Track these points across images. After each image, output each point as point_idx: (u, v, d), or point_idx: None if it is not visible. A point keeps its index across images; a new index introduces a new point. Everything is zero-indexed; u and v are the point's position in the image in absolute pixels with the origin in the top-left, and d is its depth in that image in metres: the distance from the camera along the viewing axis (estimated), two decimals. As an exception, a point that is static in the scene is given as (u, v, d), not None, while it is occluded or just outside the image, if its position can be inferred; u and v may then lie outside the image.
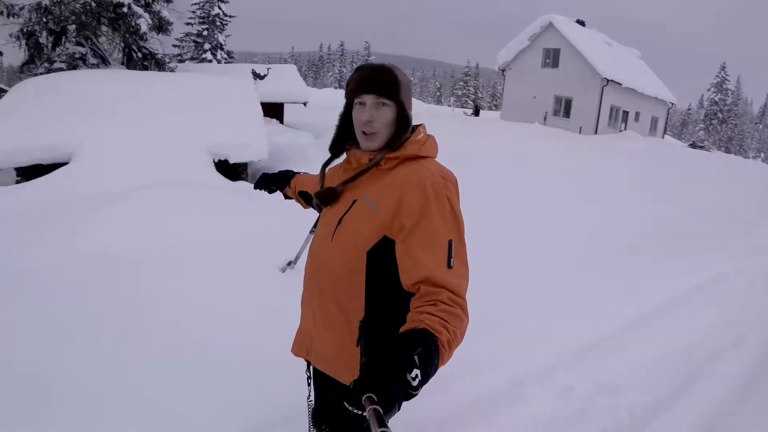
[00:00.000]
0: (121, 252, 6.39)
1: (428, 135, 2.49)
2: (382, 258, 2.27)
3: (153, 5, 17.95)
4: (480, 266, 6.75)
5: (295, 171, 3.28)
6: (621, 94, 34.26)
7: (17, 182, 10.21)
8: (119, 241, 6.61)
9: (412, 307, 2.01)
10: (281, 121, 21.24)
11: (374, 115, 2.35)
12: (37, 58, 16.76)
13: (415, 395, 1.63)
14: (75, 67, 15.99)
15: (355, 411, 1.66)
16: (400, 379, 1.61)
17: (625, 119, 36.09)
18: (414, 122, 2.50)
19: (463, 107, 78.94)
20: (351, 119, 2.48)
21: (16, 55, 16.77)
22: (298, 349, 2.77)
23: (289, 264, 6.48)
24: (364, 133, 2.39)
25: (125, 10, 16.16)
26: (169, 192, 8.03)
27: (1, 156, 9.85)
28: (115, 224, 7.03)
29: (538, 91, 36.27)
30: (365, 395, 1.57)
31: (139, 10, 16.61)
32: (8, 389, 4.19)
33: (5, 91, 13.14)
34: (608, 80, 32.35)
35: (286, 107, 22.46)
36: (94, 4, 15.93)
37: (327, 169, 2.77)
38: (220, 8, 37.84)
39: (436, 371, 1.74)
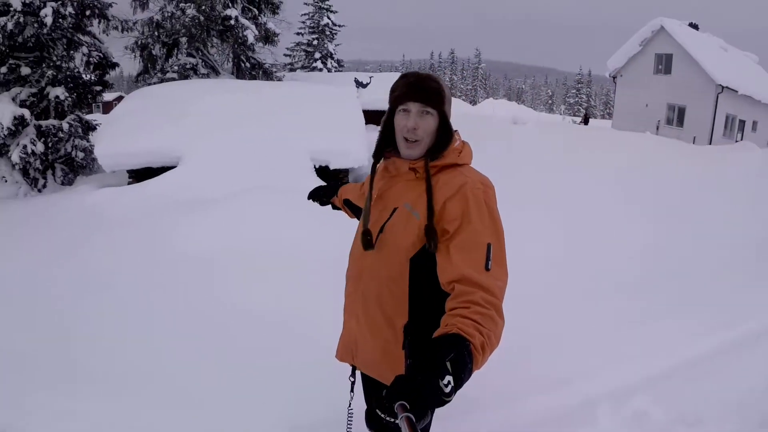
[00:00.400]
0: (214, 252, 6.79)
1: (464, 142, 2.49)
2: (424, 264, 2.27)
3: (260, 17, 18.49)
4: (561, 278, 6.54)
5: (344, 182, 3.30)
6: (737, 102, 31.55)
7: (129, 183, 10.76)
8: (215, 242, 7.02)
9: (447, 308, 2.00)
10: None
11: (419, 122, 2.34)
12: (151, 69, 17.59)
13: (448, 401, 1.60)
14: (187, 77, 16.69)
15: (388, 419, 1.60)
16: (432, 386, 1.58)
17: (741, 129, 33.21)
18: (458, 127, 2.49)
19: (574, 115, 77.23)
20: (392, 126, 2.47)
21: (133, 65, 17.67)
22: (343, 355, 2.78)
23: None
24: (406, 140, 2.38)
25: (233, 22, 16.72)
26: (266, 197, 8.36)
27: (115, 159, 10.56)
28: (214, 226, 7.44)
29: (651, 99, 34.04)
30: (398, 403, 1.55)
31: (246, 22, 17.16)
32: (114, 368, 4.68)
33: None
34: (723, 87, 29.93)
35: (389, 115, 22.58)
36: (203, 18, 16.58)
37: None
38: (329, 18, 38.33)
39: (470, 376, 1.71)
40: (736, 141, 30.30)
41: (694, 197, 11.29)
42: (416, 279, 2.32)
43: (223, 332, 5.30)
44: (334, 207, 3.55)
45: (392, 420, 1.56)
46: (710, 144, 28.69)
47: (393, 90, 2.44)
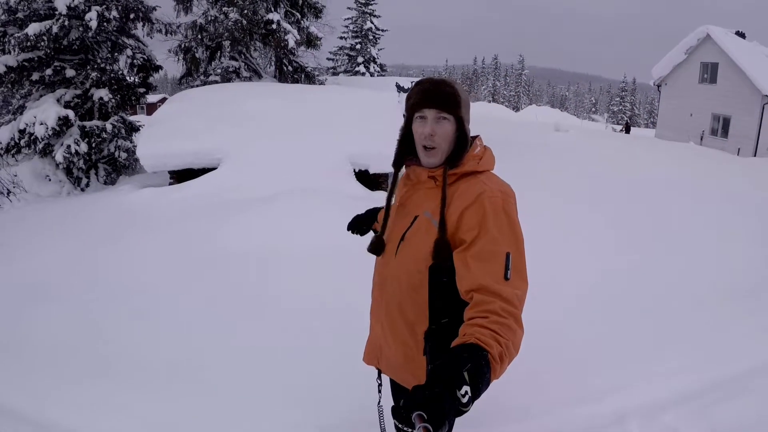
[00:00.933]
0: (252, 250, 6.93)
1: (485, 147, 2.49)
2: (444, 272, 2.26)
3: (302, 21, 18.55)
4: (598, 289, 6.41)
5: (380, 208, 3.27)
6: None
7: (170, 184, 10.86)
8: (254, 241, 7.15)
9: (465, 318, 2.00)
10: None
11: (435, 128, 2.34)
12: (195, 71, 17.76)
13: (465, 411, 1.61)
14: (229, 80, 16.84)
15: (406, 429, 1.60)
16: (449, 397, 1.58)
17: None
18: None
19: (617, 123, 76.39)
20: (411, 134, 2.47)
21: (177, 68, 17.87)
22: (369, 358, 2.84)
23: None
24: (425, 147, 2.38)
25: (275, 26, 16.82)
26: (306, 198, 8.45)
27: (157, 160, 10.66)
28: (254, 226, 7.59)
29: (695, 109, 33.40)
30: (415, 413, 1.55)
31: (288, 26, 17.22)
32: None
33: (167, 101, 14.06)
34: None
35: (432, 120, 22.59)
36: (245, 22, 16.69)
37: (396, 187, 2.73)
38: (372, 23, 38.48)
39: (487, 386, 1.71)
40: None
41: (744, 217, 11.02)
42: (436, 287, 2.34)
43: (259, 330, 5.37)
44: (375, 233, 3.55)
45: (410, 430, 1.57)
46: (755, 156, 27.96)
47: (408, 98, 2.45)
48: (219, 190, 9.33)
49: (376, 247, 2.60)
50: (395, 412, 1.61)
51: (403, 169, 2.62)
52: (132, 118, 14.38)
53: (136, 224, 8.07)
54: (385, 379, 2.84)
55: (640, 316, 6.48)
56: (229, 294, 6.02)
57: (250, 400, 4.38)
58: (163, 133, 11.00)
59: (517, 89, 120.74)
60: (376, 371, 2.86)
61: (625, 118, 72.69)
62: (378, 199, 9.65)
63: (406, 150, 2.56)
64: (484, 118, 27.51)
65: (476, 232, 2.16)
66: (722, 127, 32.15)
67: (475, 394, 1.63)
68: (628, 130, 47.89)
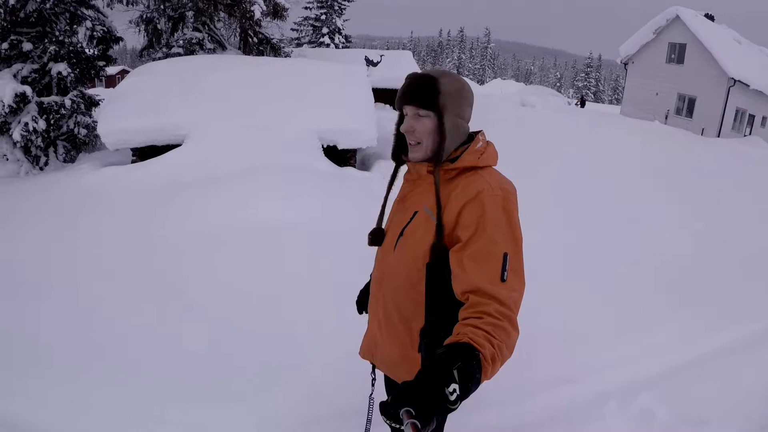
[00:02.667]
0: (218, 232, 6.77)
1: (488, 142, 2.47)
2: (441, 269, 2.26)
3: (269, -10, 18.06)
4: (563, 276, 6.54)
5: None
6: (748, 96, 31.73)
7: (132, 161, 10.52)
8: (221, 221, 6.99)
9: (460, 318, 2.00)
10: (394, 108, 21.23)
11: (414, 125, 2.37)
12: (156, 43, 17.30)
13: (453, 409, 1.63)
14: (192, 52, 16.37)
15: (394, 425, 1.62)
16: (437, 394, 1.60)
17: (750, 123, 33.44)
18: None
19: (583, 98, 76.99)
20: None
21: (138, 39, 17.39)
22: (364, 353, 2.85)
23: None
24: (409, 143, 2.43)
25: (240, -4, 16.37)
26: (274, 175, 8.31)
27: (119, 137, 10.28)
28: (223, 204, 7.41)
29: (661, 88, 34.35)
30: (403, 409, 1.58)
31: (255, -4, 16.79)
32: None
33: (128, 72, 13.62)
34: (735, 80, 30.10)
35: (400, 93, 22.41)
36: (209, -9, 16.19)
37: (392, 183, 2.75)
38: (338, -8, 37.97)
39: (477, 386, 1.74)
40: (745, 135, 30.57)
41: (701, 193, 11.03)
42: (433, 284, 2.33)
43: (228, 316, 5.26)
44: None
45: (397, 426, 1.60)
46: (719, 137, 28.90)
47: (398, 93, 2.47)
48: (184, 168, 9.04)
49: (374, 238, 2.64)
50: (383, 408, 1.64)
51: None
52: (91, 91, 13.82)
53: (97, 207, 7.73)
54: (380, 375, 2.85)
55: (615, 298, 6.62)
56: (197, 279, 5.83)
57: (230, 389, 4.33)
58: (125, 108, 10.59)
59: (483, 62, 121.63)
60: (370, 365, 2.87)
61: (580, 94, 73.42)
62: (346, 175, 9.53)
63: (403, 145, 2.56)
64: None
65: (473, 231, 2.14)
66: (687, 107, 33.32)
67: (464, 393, 1.66)
68: (583, 104, 48.93)
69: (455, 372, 1.65)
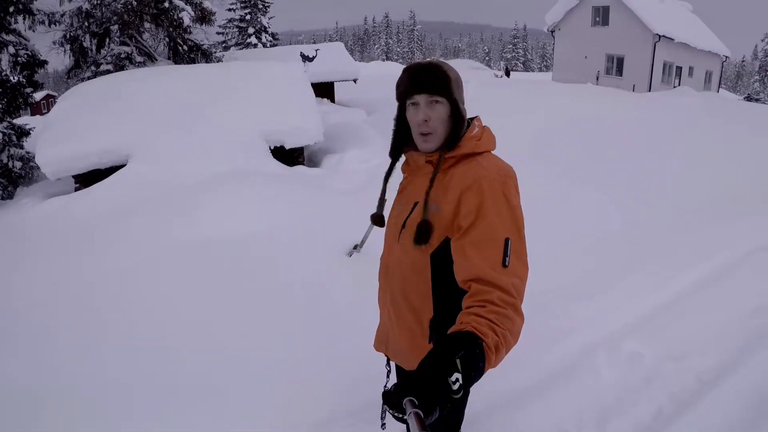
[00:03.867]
0: (177, 248, 6.51)
1: (484, 127, 2.45)
2: (446, 259, 2.25)
3: (194, -3, 17.71)
4: (538, 239, 6.56)
5: None
6: (674, 50, 33.31)
7: (76, 189, 10.14)
8: (175, 238, 6.74)
9: (463, 306, 2.00)
10: (332, 100, 21.12)
11: (429, 114, 2.31)
12: (83, 62, 16.80)
13: (456, 398, 1.62)
14: (122, 68, 15.93)
15: (397, 414, 1.62)
16: (440, 383, 1.60)
17: (678, 75, 35.16)
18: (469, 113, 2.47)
19: (507, 69, 77.84)
20: (405, 121, 2.46)
21: (62, 60, 16.87)
22: (378, 345, 2.87)
23: (355, 248, 6.45)
24: (421, 134, 2.35)
25: (167, 5, 16.03)
26: (224, 184, 8.08)
27: (60, 165, 9.86)
28: (176, 221, 7.15)
29: (589, 51, 35.61)
30: (406, 398, 1.58)
31: (181, 3, 16.47)
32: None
33: (54, 97, 13.20)
34: (660, 36, 31.47)
35: (336, 85, 22.32)
36: (135, 3, 15.82)
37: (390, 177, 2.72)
38: (261, -9, 37.52)
39: (481, 375, 1.72)
40: (674, 87, 31.94)
41: (647, 144, 11.19)
42: (438, 274, 2.34)
43: (195, 337, 4.98)
44: None
45: (401, 416, 1.60)
46: (649, 91, 30.59)
47: (398, 86, 2.42)
48: (131, 189, 8.71)
49: (378, 220, 2.77)
50: (386, 397, 1.64)
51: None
52: (19, 121, 13.33)
53: (44, 242, 7.35)
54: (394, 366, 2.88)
55: (586, 250, 6.88)
56: (165, 297, 5.61)
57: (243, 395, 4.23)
58: (62, 134, 10.15)
59: (410, 45, 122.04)
60: (385, 358, 2.86)
61: (505, 65, 74.48)
62: (298, 173, 9.46)
63: (403, 138, 2.55)
64: (381, 77, 27.69)
65: (473, 218, 2.13)
66: (617, 66, 34.99)
67: (467, 382, 1.64)
68: (508, 74, 49.73)
69: (458, 361, 1.64)
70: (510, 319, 1.90)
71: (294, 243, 6.54)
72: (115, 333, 5.09)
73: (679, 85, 33.31)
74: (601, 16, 35.15)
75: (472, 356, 1.69)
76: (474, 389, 1.90)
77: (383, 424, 2.76)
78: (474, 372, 1.68)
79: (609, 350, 4.81)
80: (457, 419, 2.70)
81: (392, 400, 1.62)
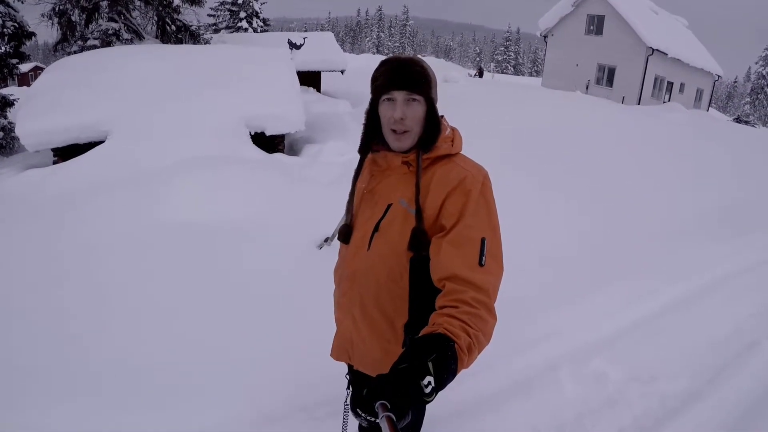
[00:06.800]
0: (150, 230, 6.52)
1: (453, 128, 2.40)
2: (424, 261, 2.17)
3: (186, -24, 17.69)
4: (515, 246, 6.65)
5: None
6: (666, 65, 33.12)
7: (54, 162, 10.18)
8: (149, 220, 6.76)
9: (437, 306, 1.96)
10: (318, 90, 21.10)
11: (406, 111, 2.23)
12: (71, 36, 16.72)
13: (429, 401, 1.61)
14: (109, 44, 15.91)
15: (369, 418, 1.60)
16: (412, 387, 1.58)
17: (669, 90, 34.95)
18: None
19: (502, 72, 77.72)
20: (377, 116, 2.35)
21: (50, 33, 16.80)
22: (338, 354, 2.72)
23: (326, 240, 6.46)
24: (394, 131, 2.27)
25: (156, -17, 15.99)
26: (202, 168, 8.08)
27: (39, 137, 9.92)
28: (150, 203, 7.13)
29: (581, 59, 35.35)
30: (378, 402, 1.56)
31: (171, -17, 16.41)
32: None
33: (42, 69, 13.21)
34: (653, 50, 31.28)
35: (323, 75, 22.32)
36: (125, -21, 15.76)
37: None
38: (254, -25, 37.41)
39: (453, 377, 1.70)
40: (664, 102, 32.14)
41: (628, 159, 11.33)
42: (416, 277, 2.26)
43: (166, 321, 5.01)
44: None
45: (373, 419, 1.58)
46: (639, 104, 30.41)
47: (374, 79, 2.31)
48: (108, 166, 8.76)
49: (346, 236, 2.49)
50: (357, 401, 1.62)
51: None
52: (4, 91, 13.34)
53: (19, 213, 7.35)
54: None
55: (562, 263, 6.81)
56: (129, 280, 5.59)
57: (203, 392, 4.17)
58: (44, 107, 10.21)
59: (402, 40, 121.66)
60: (346, 367, 2.79)
61: (478, 65, 74.35)
62: (276, 161, 9.46)
63: (373, 134, 2.43)
64: (369, 69, 27.53)
65: (456, 219, 2.10)
66: (607, 76, 34.64)
67: (439, 385, 1.62)
68: (481, 74, 49.50)
69: (430, 364, 1.63)
70: (483, 319, 1.89)
71: (266, 232, 6.56)
72: (82, 311, 5.09)
73: (669, 100, 33.39)
74: (596, 25, 34.90)
75: (445, 359, 1.68)
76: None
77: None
78: (446, 374, 1.66)
79: (574, 366, 4.77)
80: (419, 421, 2.70)
81: (364, 403, 1.60)
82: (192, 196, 7.23)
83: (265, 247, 6.28)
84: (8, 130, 11.93)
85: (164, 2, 16.72)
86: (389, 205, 2.31)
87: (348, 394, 2.70)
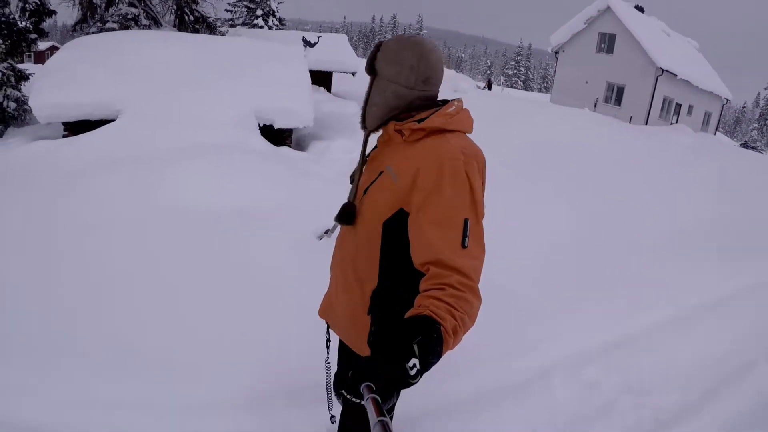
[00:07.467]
0: (154, 210, 6.65)
1: (463, 109, 2.44)
2: (397, 230, 2.25)
3: (206, -32, 17.88)
4: (515, 249, 6.69)
5: None
6: (675, 86, 33.23)
7: (64, 136, 10.31)
8: (154, 200, 6.87)
9: (421, 289, 1.98)
10: (329, 90, 21.20)
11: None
12: (90, 18, 16.89)
13: (414, 383, 1.63)
14: (127, 28, 16.05)
15: (354, 399, 1.66)
16: (397, 368, 1.61)
17: (677, 112, 35.07)
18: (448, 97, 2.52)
19: (511, 87, 77.82)
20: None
21: (70, 14, 16.98)
22: (322, 312, 2.86)
23: (326, 232, 6.52)
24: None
25: (177, -29, 16.19)
26: (209, 154, 8.27)
27: (52, 110, 10.03)
28: (157, 183, 7.28)
29: (591, 77, 35.56)
30: (363, 384, 1.60)
31: (191, -27, 16.60)
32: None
33: (58, 49, 13.35)
34: (663, 70, 31.45)
35: (334, 76, 22.41)
36: (147, -35, 15.95)
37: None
38: (272, -26, 37.70)
39: (438, 359, 1.72)
40: (672, 123, 31.94)
41: (633, 176, 11.44)
42: (388, 245, 2.33)
43: (167, 303, 5.11)
44: None
45: (358, 401, 1.62)
46: (646, 124, 30.28)
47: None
48: (117, 144, 8.86)
49: (342, 216, 2.53)
50: (341, 382, 1.69)
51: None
52: (20, 66, 13.52)
53: (24, 183, 7.46)
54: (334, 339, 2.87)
55: (562, 269, 6.91)
56: (128, 259, 5.68)
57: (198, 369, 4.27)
58: (59, 82, 10.33)
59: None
60: (325, 326, 2.89)
61: (488, 77, 74.02)
62: (282, 154, 9.54)
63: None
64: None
65: (428, 194, 2.12)
66: (616, 95, 34.85)
67: (424, 367, 1.65)
68: (490, 87, 49.57)
69: (415, 347, 1.64)
70: (468, 302, 1.91)
71: (268, 221, 6.65)
72: (79, 287, 5.15)
73: (677, 122, 33.23)
74: (607, 43, 35.17)
75: (430, 341, 1.69)
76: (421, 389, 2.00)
77: (332, 417, 2.89)
78: (431, 357, 1.68)
79: (567, 373, 4.80)
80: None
81: (349, 385, 1.65)
82: (197, 180, 7.36)
83: (266, 235, 6.37)
84: (21, 102, 12.07)
85: (184, -8, 16.91)
86: (381, 172, 2.37)
87: (327, 353, 2.87)
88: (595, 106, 34.27)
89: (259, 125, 10.73)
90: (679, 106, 35.10)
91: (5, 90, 11.90)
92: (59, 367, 4.14)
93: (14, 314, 4.69)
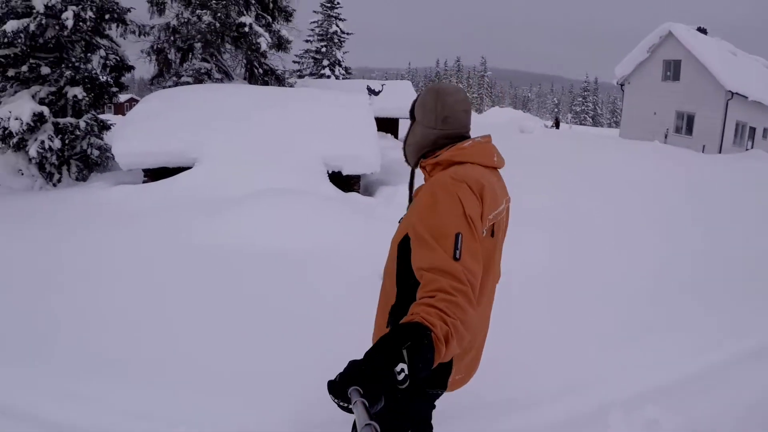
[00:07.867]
0: (227, 249, 7.01)
1: (477, 142, 2.58)
2: (407, 251, 2.30)
3: (273, 25, 18.66)
4: (574, 282, 6.59)
5: None
6: (747, 109, 30.48)
7: (144, 182, 10.89)
8: (227, 239, 7.27)
9: (417, 297, 1.99)
10: (396, 136, 21.48)
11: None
12: (166, 72, 17.80)
13: (402, 389, 1.62)
14: (201, 82, 16.84)
15: (342, 404, 1.62)
16: (385, 373, 1.61)
17: (752, 136, 32.11)
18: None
19: (580, 123, 76.96)
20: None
21: (147, 69, 17.90)
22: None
23: None
24: None
25: (247, 29, 16.89)
26: (280, 198, 8.62)
27: (132, 158, 10.73)
28: (229, 224, 7.72)
29: (659, 107, 33.38)
30: (351, 388, 1.59)
31: (260, 30, 17.28)
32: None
33: (137, 101, 14.06)
34: (733, 93, 29.32)
35: (400, 123, 22.75)
36: (218, 24, 16.79)
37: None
38: (338, 26, 38.62)
39: (429, 366, 1.71)
40: (747, 149, 29.62)
41: (705, 208, 11.36)
42: (401, 264, 2.43)
43: (234, 329, 5.35)
44: None
45: (345, 405, 1.60)
46: (720, 152, 28.24)
47: None
48: (193, 189, 9.44)
49: None
50: (331, 386, 1.65)
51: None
52: (102, 116, 14.37)
53: (107, 219, 8.09)
54: None
55: (614, 307, 6.68)
56: (196, 291, 6.02)
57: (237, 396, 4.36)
58: (139, 131, 11.04)
59: (480, 91, 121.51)
60: None
61: (555, 115, 72.99)
62: (351, 199, 9.83)
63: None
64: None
65: (421, 210, 2.27)
66: (686, 124, 32.22)
67: (413, 373, 1.64)
68: (557, 125, 48.52)
69: (404, 352, 1.64)
70: (461, 307, 1.90)
71: (333, 260, 6.90)
72: (135, 308, 5.58)
73: (752, 147, 30.66)
74: (672, 71, 32.91)
75: (419, 347, 1.69)
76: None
77: None
78: (421, 363, 1.67)
79: (626, 411, 4.51)
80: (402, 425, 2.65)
81: (337, 389, 1.63)
82: (266, 222, 7.73)
83: (331, 274, 6.57)
84: (104, 149, 12.84)
85: (253, 47, 17.54)
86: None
87: None
88: (665, 137, 32.48)
89: (327, 172, 11.07)
90: (753, 129, 32.13)
91: (89, 138, 12.69)
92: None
93: (64, 333, 5.09)
